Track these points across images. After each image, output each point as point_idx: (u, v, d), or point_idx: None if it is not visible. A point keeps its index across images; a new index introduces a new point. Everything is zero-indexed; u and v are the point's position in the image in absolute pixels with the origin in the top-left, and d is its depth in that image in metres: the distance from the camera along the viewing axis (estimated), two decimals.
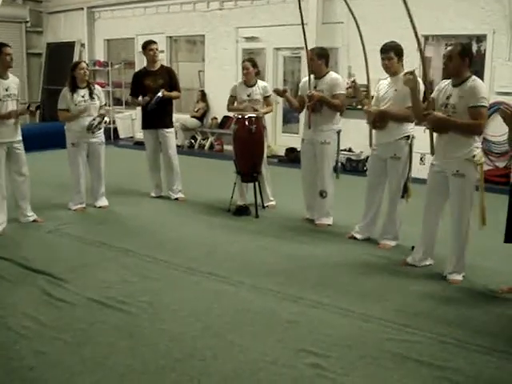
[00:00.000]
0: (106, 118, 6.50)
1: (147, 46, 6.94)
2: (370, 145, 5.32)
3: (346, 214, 5.99)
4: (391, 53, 5.04)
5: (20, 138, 5.70)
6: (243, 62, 6.83)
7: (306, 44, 5.83)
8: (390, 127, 5.11)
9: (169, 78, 7.00)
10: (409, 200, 5.20)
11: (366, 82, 5.36)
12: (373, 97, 5.37)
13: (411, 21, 4.23)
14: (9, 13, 13.37)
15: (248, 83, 6.69)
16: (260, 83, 6.77)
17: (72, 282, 4.30)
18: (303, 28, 5.77)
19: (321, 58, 5.79)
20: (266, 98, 6.74)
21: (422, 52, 4.29)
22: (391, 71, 5.10)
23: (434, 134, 4.48)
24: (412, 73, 4.46)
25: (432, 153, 4.49)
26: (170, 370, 3.09)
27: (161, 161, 7.22)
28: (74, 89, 6.25)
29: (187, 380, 3.00)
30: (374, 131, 5.28)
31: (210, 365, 3.15)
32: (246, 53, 11.26)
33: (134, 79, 7.19)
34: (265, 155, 6.69)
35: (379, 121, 5.13)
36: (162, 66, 7.17)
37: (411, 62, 4.53)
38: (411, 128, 5.13)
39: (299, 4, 5.76)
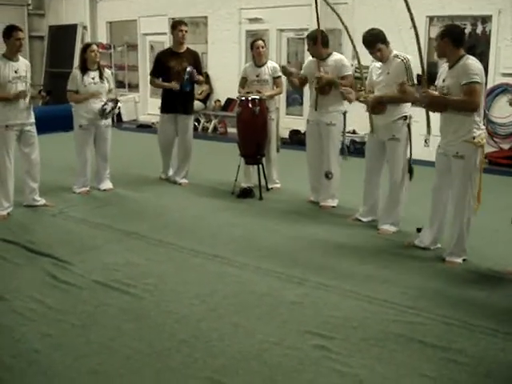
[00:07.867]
0: (119, 104, 6.42)
1: (177, 26, 6.64)
2: (372, 131, 5.27)
3: (350, 195, 5.97)
4: (377, 44, 4.94)
5: (33, 120, 5.63)
6: (255, 40, 6.65)
7: (318, 25, 5.68)
8: (387, 109, 5.06)
9: (194, 62, 6.75)
10: (411, 180, 5.17)
11: (367, 64, 5.26)
12: (366, 78, 5.32)
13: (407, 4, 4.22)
14: None
15: (258, 63, 6.60)
16: (270, 64, 6.67)
17: (77, 265, 4.31)
18: (316, 9, 5.60)
19: (315, 42, 5.70)
20: (275, 79, 6.63)
21: (417, 34, 4.30)
22: (384, 59, 5.02)
23: (436, 116, 4.46)
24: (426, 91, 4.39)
25: (428, 132, 4.45)
26: (176, 352, 3.10)
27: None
28: (84, 70, 6.21)
29: (192, 361, 3.01)
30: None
31: (215, 346, 3.16)
32: (249, 34, 11.16)
33: (157, 59, 6.89)
34: (274, 138, 6.65)
35: (377, 106, 5.05)
36: (187, 48, 6.83)
37: (413, 42, 4.53)
38: (408, 108, 5.07)
39: None
